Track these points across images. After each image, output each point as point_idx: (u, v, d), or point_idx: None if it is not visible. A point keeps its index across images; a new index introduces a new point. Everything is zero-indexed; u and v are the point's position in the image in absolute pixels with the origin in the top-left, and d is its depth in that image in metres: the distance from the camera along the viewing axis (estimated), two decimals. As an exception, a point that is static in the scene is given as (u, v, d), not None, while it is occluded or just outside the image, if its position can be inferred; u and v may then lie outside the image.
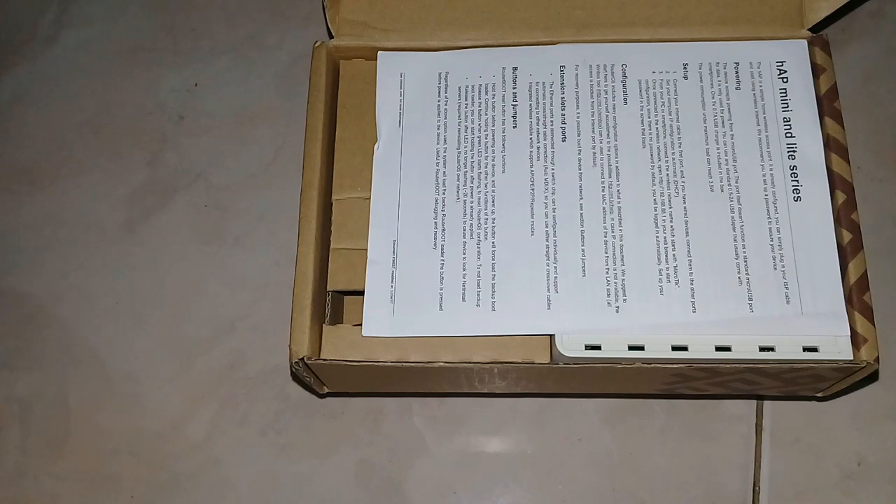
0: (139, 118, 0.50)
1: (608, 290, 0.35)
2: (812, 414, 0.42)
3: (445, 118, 0.39)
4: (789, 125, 0.37)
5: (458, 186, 0.37)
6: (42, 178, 0.49)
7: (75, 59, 0.52)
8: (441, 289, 0.35)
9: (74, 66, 0.52)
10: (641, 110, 0.38)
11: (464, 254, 0.36)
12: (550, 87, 0.39)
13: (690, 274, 0.35)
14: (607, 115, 0.38)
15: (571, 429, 0.43)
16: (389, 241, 0.37)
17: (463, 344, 0.35)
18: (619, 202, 0.36)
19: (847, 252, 0.35)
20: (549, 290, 0.35)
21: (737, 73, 0.38)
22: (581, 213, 0.36)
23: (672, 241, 0.35)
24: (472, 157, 0.38)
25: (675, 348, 0.34)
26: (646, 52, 0.39)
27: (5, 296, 0.47)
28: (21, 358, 0.46)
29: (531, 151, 0.37)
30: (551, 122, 0.38)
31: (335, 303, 0.38)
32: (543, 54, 0.39)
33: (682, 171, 0.37)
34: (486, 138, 0.38)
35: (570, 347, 0.34)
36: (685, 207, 0.36)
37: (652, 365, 0.34)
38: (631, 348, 0.34)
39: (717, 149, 0.37)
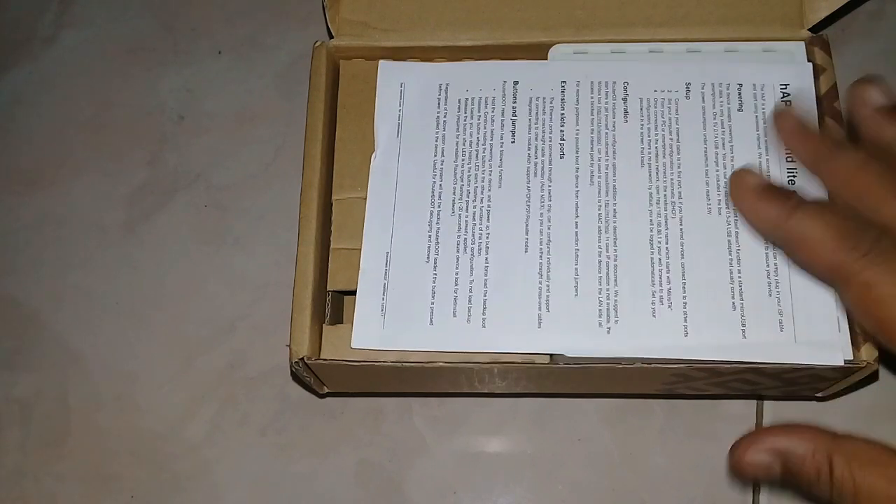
0: (139, 118, 0.50)
1: (600, 310, 0.34)
2: (812, 414, 0.42)
3: (444, 130, 0.38)
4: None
5: (453, 200, 0.37)
6: (42, 178, 0.49)
7: (75, 59, 0.52)
8: (432, 303, 0.35)
9: (74, 66, 0.52)
10: (642, 129, 0.37)
11: (456, 268, 0.36)
12: (551, 103, 0.38)
13: (684, 297, 0.34)
14: (607, 133, 0.37)
15: (571, 429, 0.43)
16: (383, 251, 0.36)
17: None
18: (614, 222, 0.36)
19: (847, 252, 0.35)
20: (540, 309, 0.35)
21: (740, 94, 0.38)
22: (576, 232, 0.36)
23: (667, 262, 0.35)
24: (469, 171, 0.37)
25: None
26: (649, 70, 0.38)
27: (5, 296, 0.47)
28: (21, 358, 0.46)
29: (528, 167, 0.37)
30: (550, 137, 0.38)
31: (335, 303, 0.38)
32: (545, 69, 0.39)
33: (679, 192, 0.36)
34: (483, 152, 0.38)
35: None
36: (681, 229, 0.36)
37: (652, 365, 0.34)
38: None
39: (717, 170, 0.36)
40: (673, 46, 0.39)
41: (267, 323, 0.45)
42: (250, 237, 0.47)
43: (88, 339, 0.46)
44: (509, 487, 0.42)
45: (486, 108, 0.38)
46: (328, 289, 0.37)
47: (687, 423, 0.42)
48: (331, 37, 0.40)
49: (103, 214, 0.48)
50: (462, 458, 0.42)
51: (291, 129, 0.49)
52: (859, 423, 0.42)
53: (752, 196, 0.31)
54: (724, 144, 0.37)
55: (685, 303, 0.34)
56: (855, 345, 0.34)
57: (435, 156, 0.38)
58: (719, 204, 0.36)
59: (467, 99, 0.39)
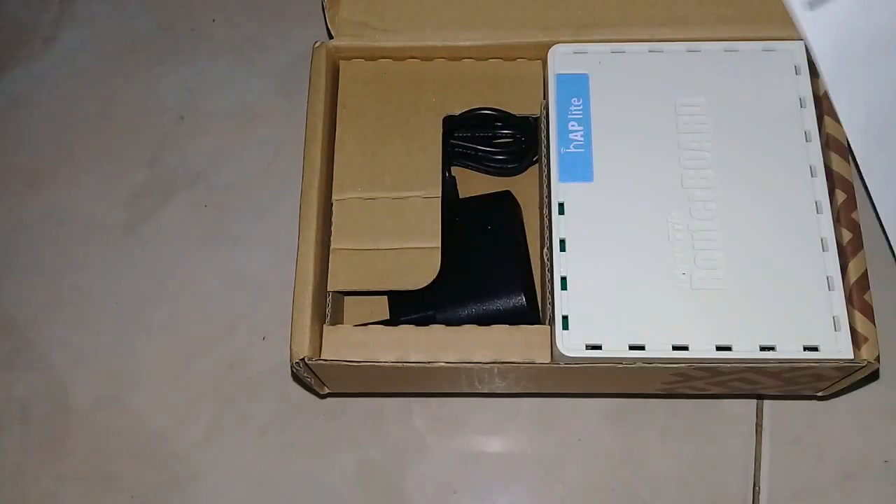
0: (139, 118, 0.50)
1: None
2: (812, 414, 0.42)
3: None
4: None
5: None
6: (42, 178, 0.49)
7: (75, 59, 0.52)
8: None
9: (74, 66, 0.52)
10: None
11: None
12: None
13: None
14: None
15: (571, 429, 0.43)
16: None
17: (463, 344, 0.35)
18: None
19: (847, 252, 0.35)
20: None
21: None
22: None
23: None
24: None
25: (675, 348, 0.34)
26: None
27: (5, 295, 0.47)
28: (21, 358, 0.46)
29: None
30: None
31: (335, 303, 0.38)
32: None
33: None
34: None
35: (571, 347, 0.34)
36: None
37: (652, 365, 0.34)
38: (632, 348, 0.34)
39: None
40: (673, 46, 0.39)
41: (267, 323, 0.45)
42: (250, 237, 0.47)
43: (89, 339, 0.46)
44: (509, 487, 0.42)
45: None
46: (328, 289, 0.37)
47: (687, 423, 0.42)
48: (331, 37, 0.40)
49: (103, 214, 0.48)
50: (462, 458, 0.42)
51: (291, 129, 0.49)
52: (859, 422, 0.42)
53: None
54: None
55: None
56: (855, 344, 0.34)
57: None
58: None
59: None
